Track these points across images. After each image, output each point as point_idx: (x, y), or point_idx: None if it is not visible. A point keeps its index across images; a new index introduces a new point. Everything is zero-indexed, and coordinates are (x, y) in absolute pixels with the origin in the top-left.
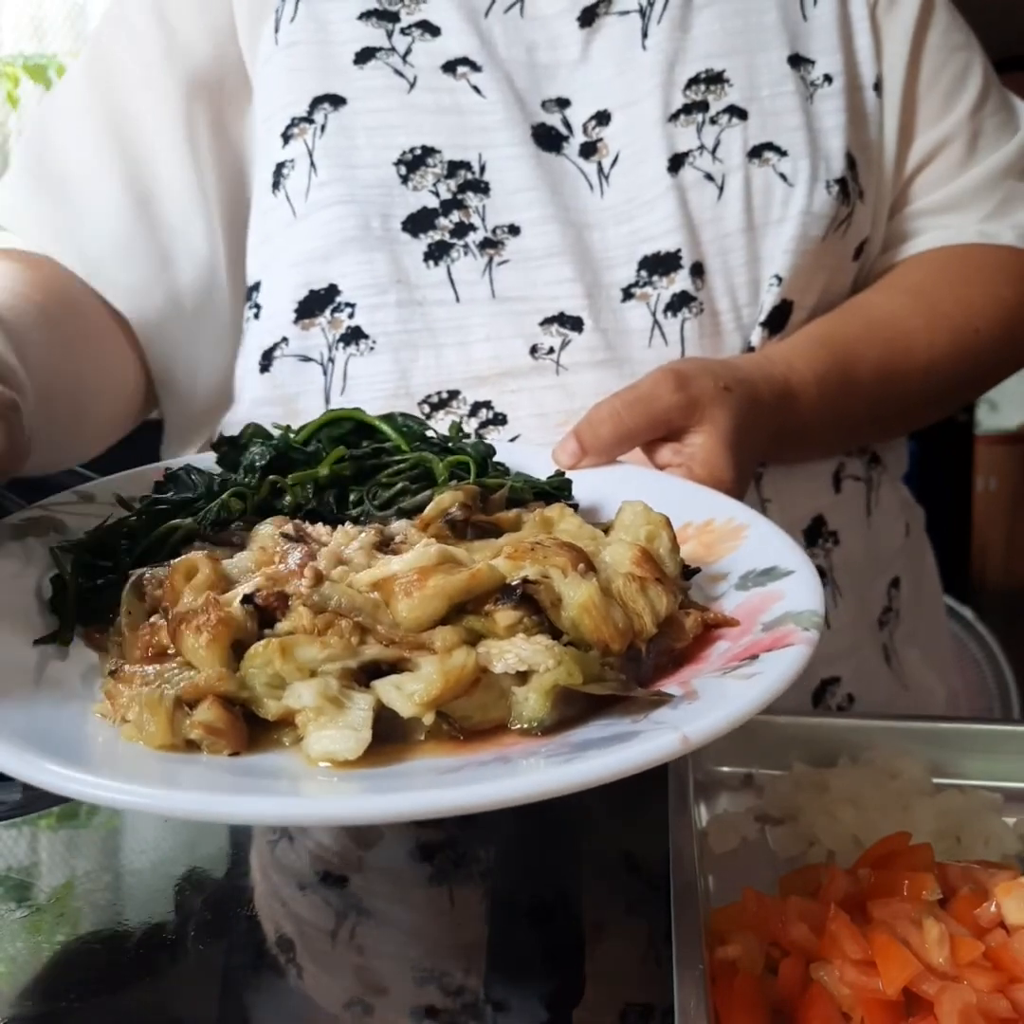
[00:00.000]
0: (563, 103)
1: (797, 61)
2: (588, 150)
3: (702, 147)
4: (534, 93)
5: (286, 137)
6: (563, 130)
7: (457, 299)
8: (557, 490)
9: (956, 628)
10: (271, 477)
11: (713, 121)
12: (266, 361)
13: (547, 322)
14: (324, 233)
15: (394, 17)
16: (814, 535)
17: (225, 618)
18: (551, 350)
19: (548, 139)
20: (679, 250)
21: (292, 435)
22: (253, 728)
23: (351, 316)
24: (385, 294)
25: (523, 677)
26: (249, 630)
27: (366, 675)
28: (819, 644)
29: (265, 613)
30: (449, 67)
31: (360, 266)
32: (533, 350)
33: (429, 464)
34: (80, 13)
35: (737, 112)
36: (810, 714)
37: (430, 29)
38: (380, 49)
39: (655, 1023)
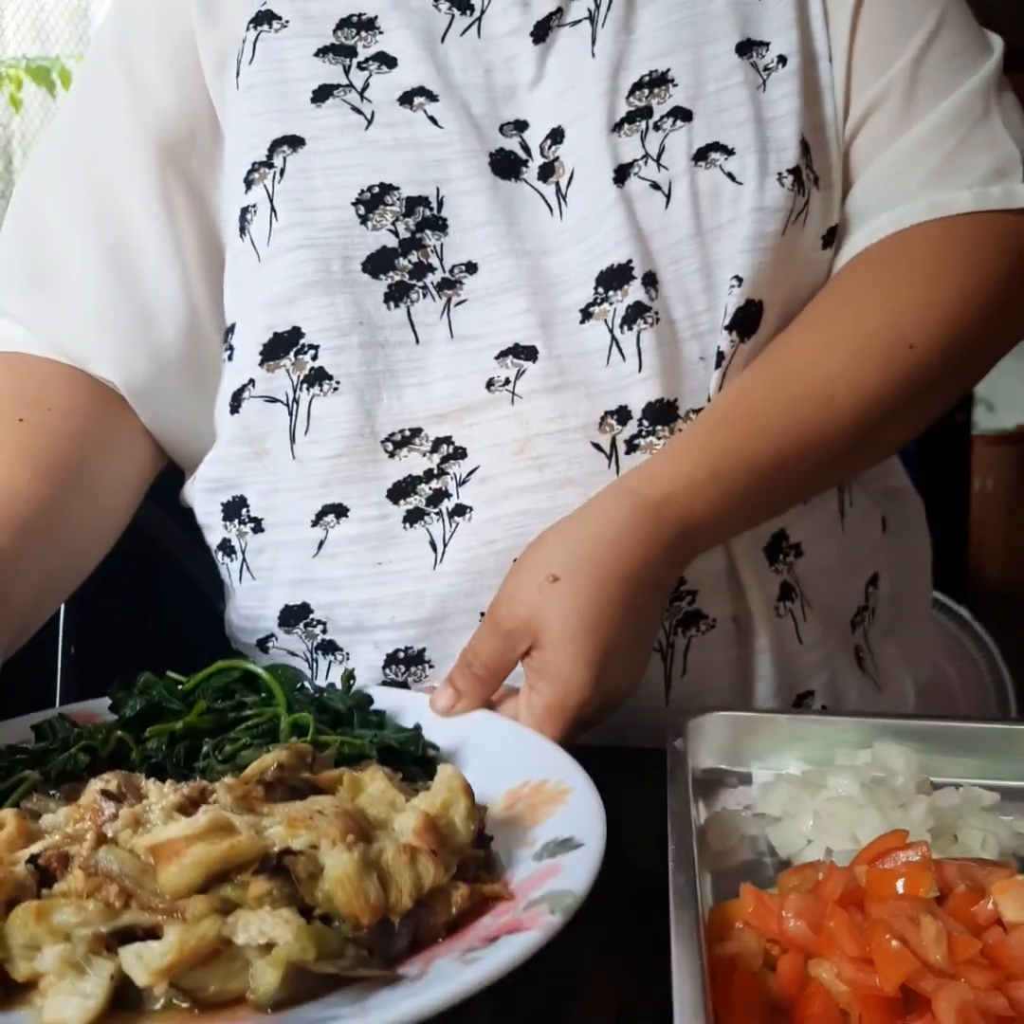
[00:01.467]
0: (521, 126)
1: (748, 47)
2: (546, 172)
3: (646, 156)
4: (492, 118)
5: (248, 183)
6: (521, 154)
7: (417, 341)
8: (403, 745)
9: (953, 627)
10: (119, 733)
11: (657, 127)
12: (236, 402)
13: (502, 355)
14: (286, 277)
15: (351, 51)
16: (774, 551)
17: (2, 878)
18: (507, 381)
19: (506, 165)
20: (630, 260)
21: (181, 684)
22: (13, 988)
23: (314, 358)
24: (347, 337)
25: (269, 950)
26: (27, 890)
27: (121, 941)
28: (793, 661)
29: (48, 874)
30: (406, 98)
31: (322, 310)
32: (489, 384)
33: (279, 720)
34: (82, 15)
35: (681, 114)
36: (808, 713)
37: (386, 61)
38: (338, 86)
39: (654, 1020)
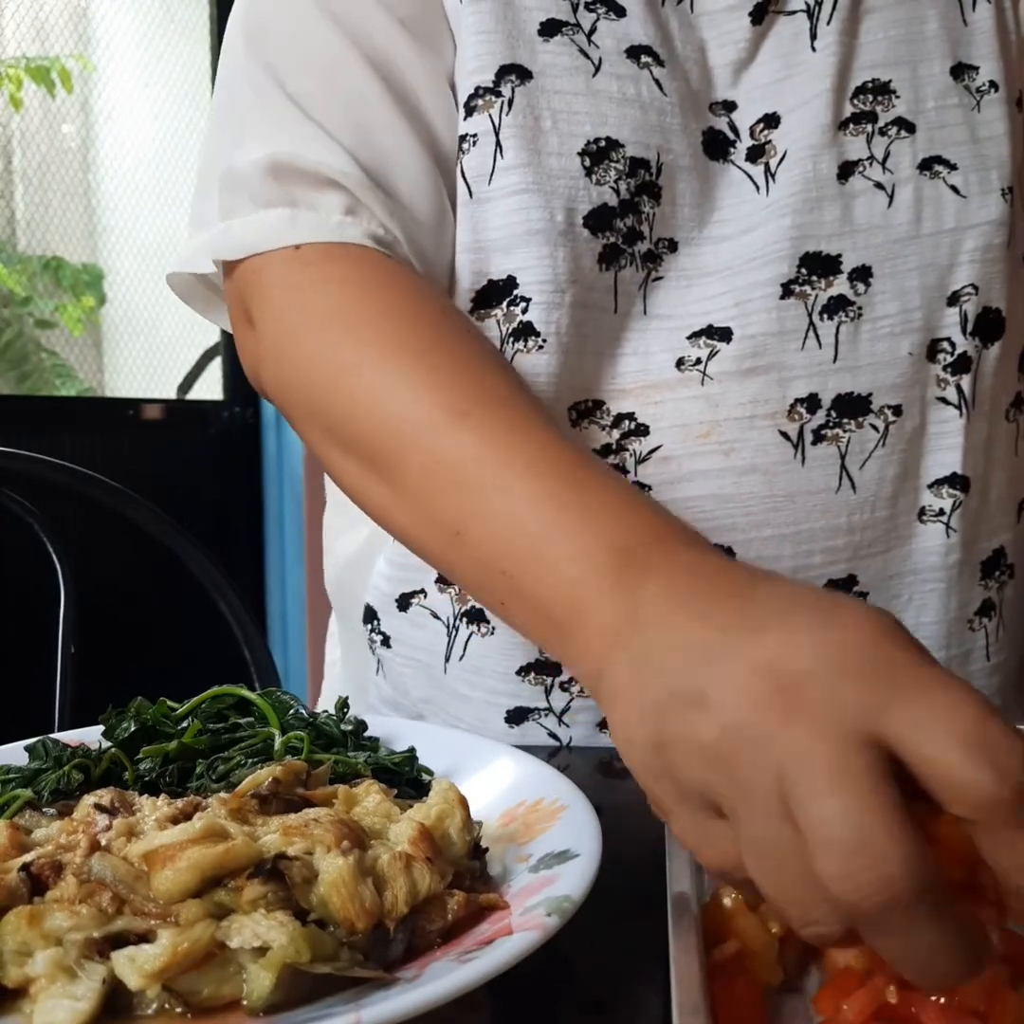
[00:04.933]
0: (730, 106)
1: (960, 70)
2: (755, 153)
3: (872, 158)
4: (704, 95)
5: (470, 108)
6: (730, 134)
7: (615, 310)
8: (397, 766)
9: None
10: (113, 751)
11: (882, 132)
12: None
13: (695, 336)
14: (507, 223)
15: None
16: (992, 567)
17: None
18: (698, 361)
19: (715, 145)
20: (840, 255)
21: (175, 709)
22: (3, 995)
23: (525, 311)
24: (563, 293)
25: (263, 953)
26: (19, 897)
27: (114, 945)
28: (974, 679)
29: (40, 882)
30: (633, 53)
31: (541, 260)
32: (679, 363)
33: (274, 740)
34: (82, 15)
35: (905, 125)
36: None
37: (614, 8)
38: (566, 23)
39: (653, 1021)
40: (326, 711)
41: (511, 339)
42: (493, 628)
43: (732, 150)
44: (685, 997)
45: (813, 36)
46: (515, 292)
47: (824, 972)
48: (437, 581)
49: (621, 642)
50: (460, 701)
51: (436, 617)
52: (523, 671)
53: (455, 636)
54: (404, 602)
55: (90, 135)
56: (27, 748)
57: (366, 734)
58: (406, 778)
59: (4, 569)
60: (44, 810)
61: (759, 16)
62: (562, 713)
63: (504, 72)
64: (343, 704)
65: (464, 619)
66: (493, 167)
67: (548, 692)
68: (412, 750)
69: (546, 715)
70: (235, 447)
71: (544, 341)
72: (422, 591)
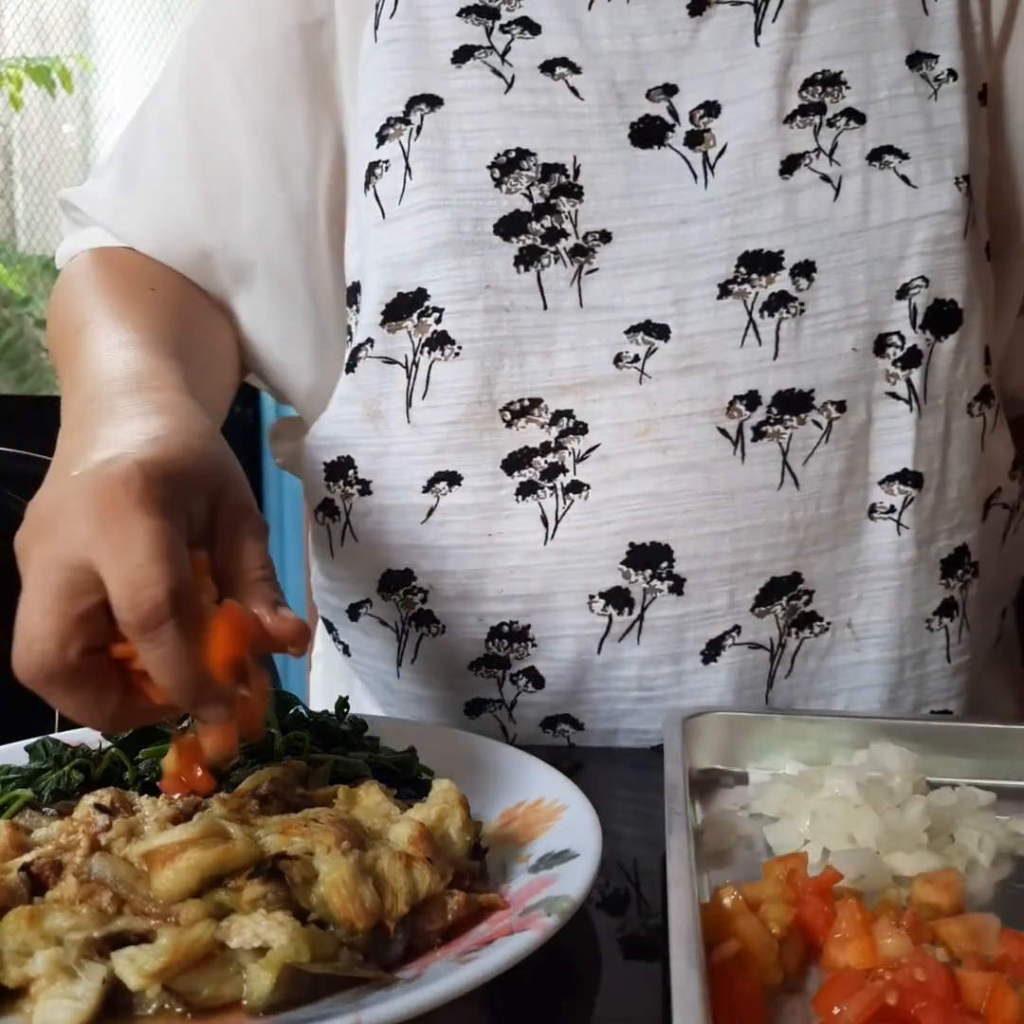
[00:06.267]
0: (670, 89)
1: (917, 59)
2: (694, 139)
3: (818, 150)
4: (638, 83)
5: (381, 137)
6: (668, 118)
7: (545, 307)
8: (398, 766)
9: None
10: (113, 751)
11: (831, 123)
12: (352, 361)
13: (633, 330)
14: (416, 238)
15: (494, 13)
16: (953, 566)
17: None
18: (636, 358)
19: (649, 133)
20: (782, 251)
21: None
22: (3, 995)
23: (438, 321)
24: (474, 300)
25: (263, 953)
26: (19, 897)
27: (114, 946)
28: (934, 679)
29: (40, 882)
30: (547, 67)
31: (450, 272)
32: (617, 359)
33: (274, 740)
34: (82, 16)
35: (855, 115)
36: (804, 713)
37: (530, 27)
38: (479, 48)
39: (653, 1021)
40: (326, 711)
41: (425, 349)
42: (443, 627)
43: (670, 134)
44: (685, 997)
45: (758, 31)
46: (426, 304)
47: (824, 972)
48: (379, 590)
49: None
50: (415, 704)
51: (384, 624)
52: (474, 665)
53: (405, 641)
54: (354, 612)
55: (90, 135)
56: (27, 748)
57: (366, 734)
58: (406, 778)
59: (4, 569)
60: (44, 810)
61: (699, 7)
62: (511, 707)
63: (414, 102)
64: (343, 704)
65: (412, 623)
66: (403, 189)
67: (500, 684)
68: (412, 750)
69: (499, 707)
70: (235, 447)
71: (460, 348)
72: (368, 601)
